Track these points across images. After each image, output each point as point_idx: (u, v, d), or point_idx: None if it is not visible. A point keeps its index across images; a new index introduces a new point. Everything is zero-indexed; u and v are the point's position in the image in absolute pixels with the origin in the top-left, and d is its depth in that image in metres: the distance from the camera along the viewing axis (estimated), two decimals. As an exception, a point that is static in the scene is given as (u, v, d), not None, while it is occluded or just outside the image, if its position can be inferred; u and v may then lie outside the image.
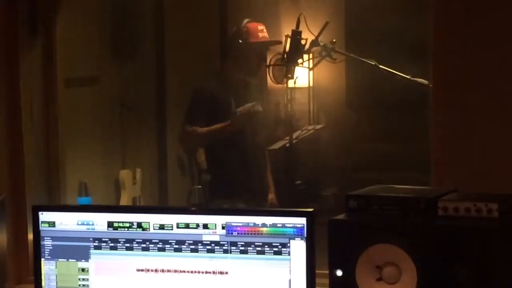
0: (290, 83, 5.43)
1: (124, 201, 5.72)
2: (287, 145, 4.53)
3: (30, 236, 3.07)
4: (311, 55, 4.56)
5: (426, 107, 3.43)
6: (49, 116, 3.33)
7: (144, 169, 6.04)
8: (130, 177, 5.83)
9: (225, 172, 4.51)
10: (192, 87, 4.60)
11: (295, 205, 4.64)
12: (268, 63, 4.99)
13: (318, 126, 5.14)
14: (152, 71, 6.44)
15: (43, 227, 2.48)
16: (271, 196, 4.61)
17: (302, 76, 4.45)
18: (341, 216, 2.23)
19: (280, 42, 4.38)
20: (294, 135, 4.63)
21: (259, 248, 2.33)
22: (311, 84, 6.51)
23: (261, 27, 4.54)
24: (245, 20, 4.53)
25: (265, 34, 4.54)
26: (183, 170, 6.14)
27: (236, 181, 4.50)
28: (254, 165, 4.57)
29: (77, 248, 2.45)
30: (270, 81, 5.99)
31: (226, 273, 2.36)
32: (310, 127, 4.97)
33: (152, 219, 2.40)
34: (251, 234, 2.34)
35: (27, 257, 3.15)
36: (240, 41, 4.47)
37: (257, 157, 4.58)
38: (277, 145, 4.61)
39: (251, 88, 4.58)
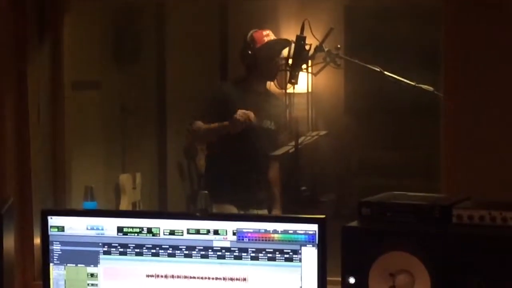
0: (289, 89, 5.41)
1: (124, 206, 5.71)
2: (291, 151, 4.52)
3: (36, 241, 3.08)
4: (312, 61, 4.53)
5: (429, 113, 3.42)
6: (56, 119, 3.33)
7: (144, 173, 6.03)
8: (130, 182, 5.82)
9: (223, 178, 4.50)
10: (196, 92, 4.65)
11: (300, 211, 4.62)
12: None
13: (322, 132, 5.13)
14: (152, 76, 6.44)
15: (52, 232, 2.45)
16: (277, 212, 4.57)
17: (301, 81, 4.47)
18: (354, 223, 2.22)
19: (289, 42, 4.35)
20: (299, 141, 4.62)
21: (270, 255, 2.32)
22: (309, 90, 6.48)
23: (266, 32, 4.61)
24: (251, 31, 4.57)
25: (271, 37, 4.59)
26: (182, 175, 6.14)
27: (234, 187, 4.48)
28: (255, 172, 4.57)
29: (86, 253, 2.44)
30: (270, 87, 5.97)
31: (237, 279, 2.35)
32: (314, 133, 4.96)
33: (162, 225, 2.39)
34: (262, 240, 2.33)
35: (33, 262, 3.13)
36: (249, 52, 4.50)
37: (258, 164, 4.57)
38: (280, 151, 4.60)
39: (266, 98, 4.63)
